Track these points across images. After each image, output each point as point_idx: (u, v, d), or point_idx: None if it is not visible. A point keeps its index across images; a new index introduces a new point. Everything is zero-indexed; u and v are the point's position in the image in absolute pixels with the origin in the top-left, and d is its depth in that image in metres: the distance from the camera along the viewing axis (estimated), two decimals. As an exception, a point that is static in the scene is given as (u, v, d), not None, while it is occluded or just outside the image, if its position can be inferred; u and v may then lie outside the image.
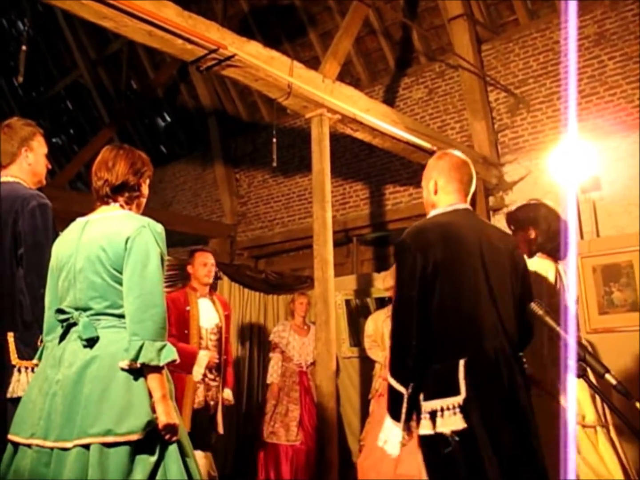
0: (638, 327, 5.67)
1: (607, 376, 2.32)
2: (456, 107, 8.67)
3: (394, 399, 2.50)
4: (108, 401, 2.22)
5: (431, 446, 2.46)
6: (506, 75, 8.27)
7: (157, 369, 2.28)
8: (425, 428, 2.44)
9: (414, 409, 2.48)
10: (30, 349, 2.71)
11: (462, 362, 2.43)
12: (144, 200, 2.64)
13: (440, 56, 8.86)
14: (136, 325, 2.26)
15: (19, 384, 2.72)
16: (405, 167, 8.79)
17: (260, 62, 5.10)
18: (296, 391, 6.30)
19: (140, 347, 2.23)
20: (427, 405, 2.45)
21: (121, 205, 2.51)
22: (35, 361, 2.50)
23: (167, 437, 2.26)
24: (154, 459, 2.23)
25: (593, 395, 3.25)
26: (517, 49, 8.24)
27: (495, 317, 2.55)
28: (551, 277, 3.28)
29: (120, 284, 2.33)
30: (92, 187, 2.55)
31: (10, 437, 2.32)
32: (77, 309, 2.36)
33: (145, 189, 2.60)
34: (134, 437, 2.19)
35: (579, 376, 2.42)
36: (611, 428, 3.33)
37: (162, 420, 2.25)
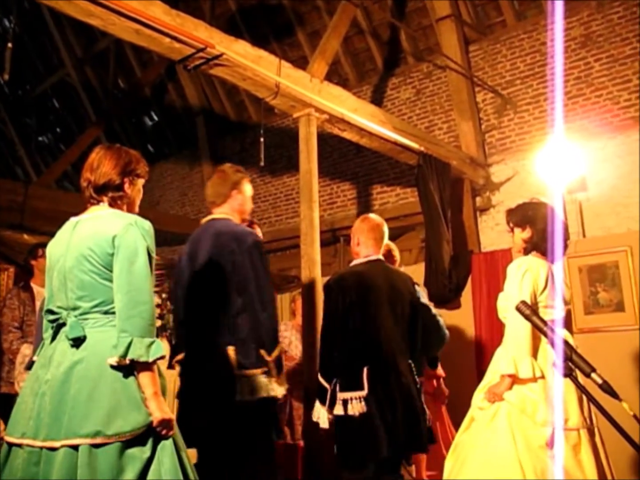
0: (623, 327, 5.72)
1: (593, 375, 2.32)
2: (444, 107, 8.69)
3: (321, 390, 3.64)
4: (97, 401, 2.21)
5: (343, 422, 3.55)
6: (493, 76, 8.30)
7: (147, 366, 2.27)
8: (339, 410, 3.53)
9: (335, 398, 3.56)
10: (247, 361, 3.18)
11: (365, 369, 3.52)
12: (134, 201, 2.61)
13: (428, 56, 8.88)
14: (125, 322, 2.25)
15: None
16: (393, 168, 8.81)
17: (248, 62, 5.08)
18: (299, 390, 6.31)
19: (129, 344, 2.22)
20: (342, 395, 3.54)
21: (110, 205, 2.50)
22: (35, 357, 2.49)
23: (162, 432, 2.26)
24: (146, 455, 2.22)
25: (580, 397, 3.27)
26: (504, 50, 8.28)
27: (391, 336, 3.65)
28: (542, 276, 3.31)
29: (111, 281, 2.33)
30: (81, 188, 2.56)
31: (5, 437, 2.33)
32: (67, 309, 2.36)
33: (129, 189, 2.54)
34: (123, 438, 2.18)
35: (565, 375, 2.43)
36: (596, 431, 3.34)
37: (157, 416, 2.25)
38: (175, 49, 4.72)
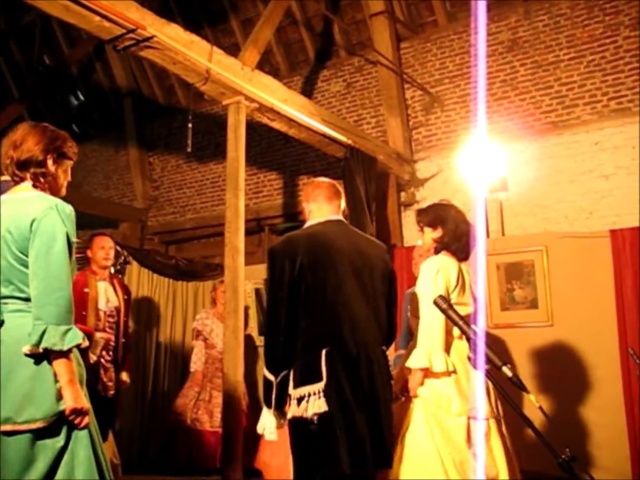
0: (537, 323, 5.91)
1: (504, 369, 2.40)
2: (373, 102, 8.78)
3: (265, 387, 2.82)
4: (10, 388, 2.15)
5: (297, 427, 2.78)
6: (423, 74, 8.43)
7: (62, 354, 2.18)
8: (292, 412, 2.75)
9: (286, 397, 2.78)
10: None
11: (323, 352, 2.74)
12: (59, 181, 2.49)
13: (360, 51, 8.94)
14: (40, 310, 2.17)
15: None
16: (320, 159, 8.85)
17: (179, 46, 5.01)
18: (219, 378, 6.29)
19: (43, 332, 2.15)
20: (295, 392, 2.76)
21: (34, 186, 2.40)
22: None
23: (76, 421, 2.19)
24: (59, 445, 2.16)
25: (488, 388, 3.37)
26: (434, 49, 8.41)
27: (359, 312, 2.89)
28: (454, 275, 3.40)
29: (27, 267, 2.24)
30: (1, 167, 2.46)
31: None
32: None
33: (52, 167, 2.43)
34: (34, 425, 2.13)
35: (479, 368, 2.51)
36: (502, 421, 3.46)
37: (69, 405, 2.17)
38: (105, 29, 4.61)
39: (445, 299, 2.77)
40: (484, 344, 2.46)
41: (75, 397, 2.19)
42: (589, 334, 5.61)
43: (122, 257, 6.70)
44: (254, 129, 7.78)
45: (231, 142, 5.60)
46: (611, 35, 7.24)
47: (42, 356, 2.19)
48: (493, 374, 2.52)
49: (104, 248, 5.06)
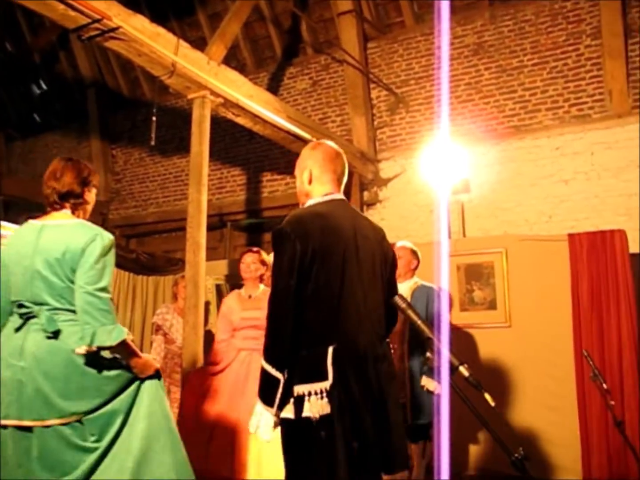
0: (495, 324, 5.99)
1: (461, 368, 2.43)
2: (338, 100, 8.80)
3: (268, 384, 2.50)
4: (70, 385, 2.63)
5: (292, 429, 2.49)
6: (389, 74, 8.48)
7: (113, 348, 2.68)
8: (287, 412, 2.47)
9: (288, 395, 2.49)
10: None
11: (330, 349, 2.46)
12: (89, 207, 3.01)
13: (327, 49, 8.96)
14: (86, 316, 2.64)
15: None
16: (284, 156, 8.84)
17: (145, 37, 4.97)
18: (177, 373, 6.24)
19: (94, 333, 2.61)
20: (294, 390, 2.47)
21: (72, 212, 2.89)
22: None
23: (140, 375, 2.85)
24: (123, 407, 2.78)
25: None
26: (401, 49, 8.46)
27: (365, 305, 2.62)
28: None
29: (74, 283, 2.70)
30: (43, 194, 2.92)
31: None
32: (35, 303, 2.70)
33: (88, 197, 2.96)
34: (89, 413, 2.66)
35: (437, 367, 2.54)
36: None
37: (139, 371, 2.84)
38: (70, 17, 4.55)
39: (404, 298, 2.79)
40: (445, 344, 2.49)
41: (141, 364, 2.84)
42: (545, 335, 5.69)
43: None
44: (218, 124, 7.74)
45: (195, 136, 5.58)
46: (573, 43, 7.37)
47: (91, 356, 2.66)
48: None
49: None
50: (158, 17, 6.76)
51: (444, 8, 6.66)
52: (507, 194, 7.40)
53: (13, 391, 2.62)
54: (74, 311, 2.70)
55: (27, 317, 2.71)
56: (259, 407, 2.53)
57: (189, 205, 5.48)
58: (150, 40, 5.03)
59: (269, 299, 2.58)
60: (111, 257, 2.83)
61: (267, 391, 2.50)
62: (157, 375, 2.98)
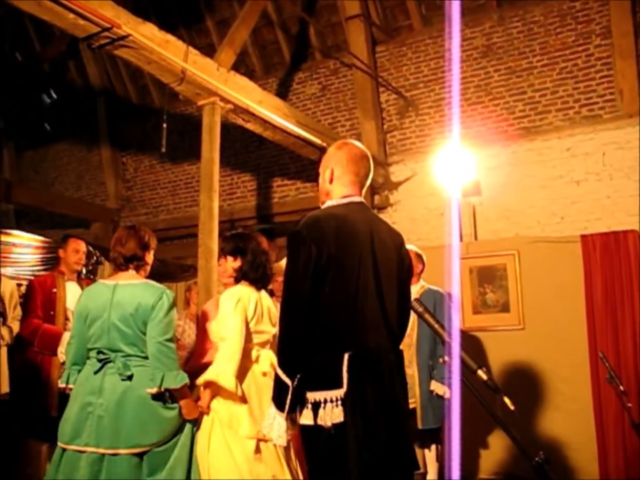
0: (508, 327, 5.97)
1: (479, 372, 2.43)
2: (348, 105, 8.80)
3: (280, 389, 2.49)
4: (142, 420, 3.12)
5: (312, 435, 2.48)
6: (398, 77, 8.47)
7: (176, 391, 3.23)
8: (306, 418, 2.46)
9: (299, 400, 2.48)
10: None
11: (346, 356, 2.44)
12: (148, 267, 3.52)
13: (335, 54, 8.95)
14: (157, 362, 3.18)
15: None
16: (294, 161, 8.85)
17: (154, 45, 4.99)
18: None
19: (162, 377, 3.14)
20: (310, 396, 2.46)
21: (136, 272, 3.42)
22: (70, 385, 3.32)
23: (186, 416, 3.31)
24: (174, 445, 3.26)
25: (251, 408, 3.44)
26: (410, 53, 8.45)
27: (380, 311, 2.58)
28: (252, 304, 3.47)
29: (145, 334, 3.22)
30: (110, 258, 3.50)
31: (62, 445, 3.16)
32: (111, 350, 3.21)
33: (148, 258, 3.49)
34: (153, 447, 3.15)
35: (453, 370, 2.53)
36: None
37: (186, 413, 3.31)
38: (80, 26, 4.57)
39: (421, 302, 2.78)
40: (459, 347, 2.48)
41: (191, 407, 3.33)
42: (559, 337, 5.67)
43: (95, 258, 6.64)
44: (228, 130, 7.76)
45: (206, 143, 5.59)
46: (583, 43, 7.34)
47: (158, 399, 3.18)
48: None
49: (78, 252, 4.97)
50: (166, 25, 6.77)
51: (454, 10, 6.65)
52: (518, 196, 7.37)
53: (93, 424, 3.11)
54: (143, 357, 3.22)
55: (104, 362, 3.21)
56: (272, 409, 2.52)
57: (201, 211, 5.49)
58: (160, 48, 5.05)
59: (281, 303, 2.55)
60: (174, 312, 3.35)
61: (279, 396, 2.50)
62: (194, 420, 3.38)
